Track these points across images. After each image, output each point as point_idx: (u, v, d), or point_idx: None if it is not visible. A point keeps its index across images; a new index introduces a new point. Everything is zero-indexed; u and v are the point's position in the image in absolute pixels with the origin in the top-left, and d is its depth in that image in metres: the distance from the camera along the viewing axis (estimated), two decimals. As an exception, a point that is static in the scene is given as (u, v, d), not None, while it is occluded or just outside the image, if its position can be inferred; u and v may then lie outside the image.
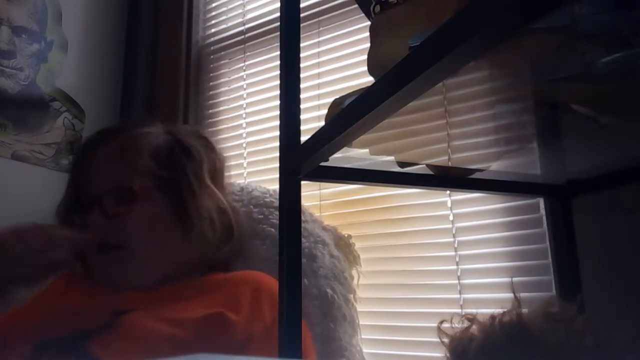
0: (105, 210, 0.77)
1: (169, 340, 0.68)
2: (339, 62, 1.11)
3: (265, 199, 0.98)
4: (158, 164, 0.80)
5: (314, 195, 1.06)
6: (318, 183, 1.05)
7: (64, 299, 0.78)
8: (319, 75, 1.13)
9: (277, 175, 0.59)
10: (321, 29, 1.16)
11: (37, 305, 0.79)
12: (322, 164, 0.57)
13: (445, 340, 0.50)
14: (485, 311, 0.50)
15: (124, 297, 0.75)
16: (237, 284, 0.77)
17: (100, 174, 0.79)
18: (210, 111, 1.36)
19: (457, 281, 0.88)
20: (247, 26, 1.33)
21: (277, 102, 0.81)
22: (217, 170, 0.88)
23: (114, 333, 0.68)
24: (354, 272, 0.94)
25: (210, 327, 0.69)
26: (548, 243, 0.76)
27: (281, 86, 0.59)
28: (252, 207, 0.96)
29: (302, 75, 0.61)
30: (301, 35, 0.62)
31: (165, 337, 0.68)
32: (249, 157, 1.23)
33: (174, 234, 0.79)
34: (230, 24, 1.38)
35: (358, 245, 0.97)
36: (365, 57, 0.53)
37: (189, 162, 0.82)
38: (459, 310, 0.85)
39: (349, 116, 0.45)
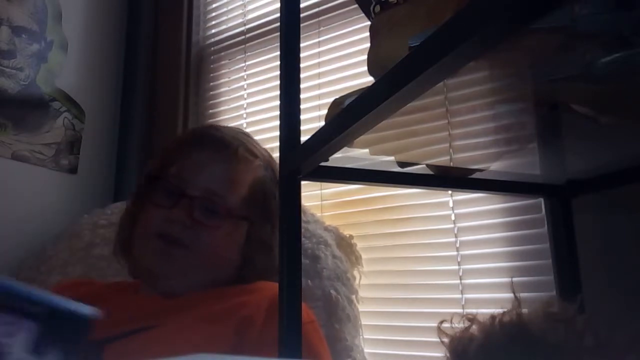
0: (193, 211, 0.76)
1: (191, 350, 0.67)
2: (339, 62, 1.11)
3: (266, 199, 0.98)
4: (254, 197, 0.81)
5: (315, 195, 1.06)
6: (319, 183, 1.05)
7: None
8: (319, 75, 1.13)
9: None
10: (321, 29, 1.16)
11: None
12: (322, 164, 0.57)
13: (445, 340, 0.50)
14: (485, 311, 0.50)
15: (145, 308, 0.74)
16: (256, 293, 0.77)
17: (203, 175, 0.79)
18: (210, 111, 1.36)
19: (458, 281, 0.88)
20: (247, 26, 1.33)
21: (277, 102, 0.82)
22: None
23: (131, 344, 0.67)
24: (355, 273, 0.94)
25: (226, 334, 0.69)
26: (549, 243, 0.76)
27: (281, 86, 0.59)
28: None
29: (302, 75, 0.61)
30: (301, 35, 0.62)
31: (187, 347, 0.67)
32: (249, 157, 1.23)
33: (235, 256, 0.80)
34: (230, 24, 1.38)
35: (360, 245, 0.97)
36: (365, 57, 0.53)
37: (277, 203, 0.85)
38: (460, 310, 0.85)
39: (349, 116, 0.45)
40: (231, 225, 0.79)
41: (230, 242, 0.80)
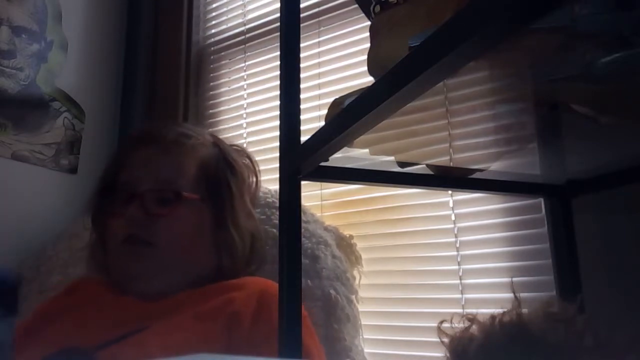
0: (146, 206, 0.77)
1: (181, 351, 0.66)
2: (339, 62, 1.11)
3: (267, 199, 0.98)
4: (204, 176, 0.82)
5: (315, 196, 1.06)
6: (319, 183, 1.05)
7: (74, 314, 0.77)
8: (319, 75, 1.13)
9: (278, 175, 0.59)
10: (321, 29, 1.16)
11: (45, 317, 0.79)
12: (322, 164, 0.57)
13: (446, 340, 0.50)
14: (485, 311, 0.50)
15: (135, 310, 0.74)
16: (244, 289, 0.77)
17: (146, 171, 0.80)
18: (210, 111, 1.36)
19: (458, 281, 0.88)
20: (247, 26, 1.33)
21: (277, 102, 0.82)
22: (252, 188, 0.91)
23: (125, 347, 0.67)
24: (355, 273, 0.94)
25: (217, 332, 0.69)
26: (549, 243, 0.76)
27: (281, 86, 0.59)
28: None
29: (302, 75, 0.61)
30: (301, 35, 0.62)
31: (181, 347, 0.67)
32: (249, 157, 1.23)
33: (207, 244, 0.81)
34: (230, 24, 1.38)
35: (359, 245, 0.97)
36: (365, 57, 0.53)
37: (233, 178, 0.84)
38: (460, 310, 0.85)
39: (349, 116, 0.45)
40: (186, 209, 0.79)
41: (192, 227, 0.80)
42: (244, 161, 0.91)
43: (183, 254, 0.79)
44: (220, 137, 0.92)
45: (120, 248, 0.78)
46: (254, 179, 0.92)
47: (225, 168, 0.84)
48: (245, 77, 1.30)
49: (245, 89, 1.29)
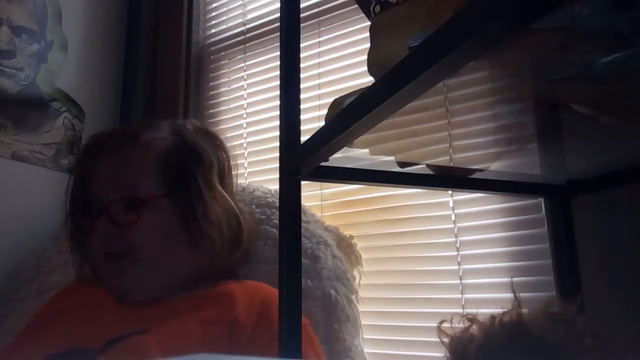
0: (113, 218, 0.76)
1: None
2: (339, 62, 1.11)
3: (267, 199, 0.98)
4: (166, 171, 0.79)
5: (315, 196, 1.06)
6: (319, 183, 1.05)
7: (74, 314, 0.77)
8: (319, 75, 1.13)
9: (278, 175, 0.59)
10: (321, 29, 1.16)
11: (45, 317, 0.79)
12: (322, 164, 0.57)
13: (446, 340, 0.50)
14: (485, 311, 0.50)
15: (136, 313, 0.74)
16: (246, 295, 0.76)
17: (106, 183, 0.78)
18: (210, 111, 1.36)
19: (459, 281, 0.88)
20: (247, 26, 1.33)
21: (277, 102, 0.81)
22: (225, 170, 0.87)
23: (124, 352, 0.67)
24: (355, 273, 0.94)
25: (218, 337, 0.69)
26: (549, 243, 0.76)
27: (281, 86, 0.59)
28: (254, 207, 0.96)
29: (302, 75, 0.61)
30: (301, 35, 0.62)
31: (182, 350, 0.67)
32: (249, 157, 1.23)
33: (183, 241, 0.78)
34: (230, 24, 1.38)
35: (360, 245, 0.97)
36: (365, 57, 0.53)
37: (198, 166, 0.81)
38: (460, 310, 0.85)
39: (349, 116, 0.45)
40: (154, 210, 0.77)
41: (163, 226, 0.77)
42: (215, 143, 0.87)
43: (162, 254, 0.77)
44: (185, 123, 0.88)
45: (103, 265, 0.77)
46: (225, 161, 0.87)
47: (188, 156, 0.81)
48: (245, 77, 1.30)
49: (245, 89, 1.29)
